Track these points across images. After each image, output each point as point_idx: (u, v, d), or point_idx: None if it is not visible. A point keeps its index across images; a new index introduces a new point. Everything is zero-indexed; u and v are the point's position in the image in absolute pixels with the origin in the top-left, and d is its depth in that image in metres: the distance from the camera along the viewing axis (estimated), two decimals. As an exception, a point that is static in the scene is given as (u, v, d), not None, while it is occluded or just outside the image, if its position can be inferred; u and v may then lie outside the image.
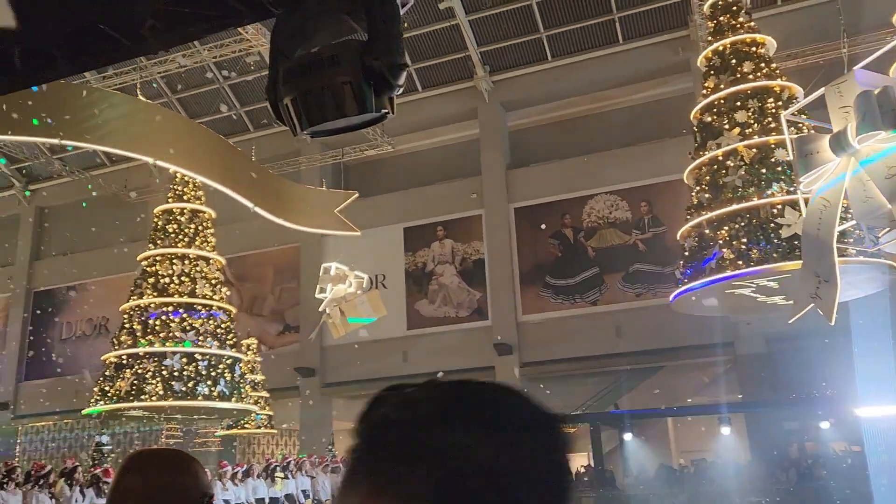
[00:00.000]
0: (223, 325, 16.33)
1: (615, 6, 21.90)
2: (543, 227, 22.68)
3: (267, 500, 14.63)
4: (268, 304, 25.66)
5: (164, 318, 15.64)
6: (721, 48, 14.21)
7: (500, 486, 0.71)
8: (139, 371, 15.16)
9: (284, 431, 23.53)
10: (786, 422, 19.09)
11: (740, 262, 12.50)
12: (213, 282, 16.60)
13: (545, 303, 22.30)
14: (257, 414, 19.60)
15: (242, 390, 16.46)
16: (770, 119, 13.21)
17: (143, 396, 14.96)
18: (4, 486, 10.58)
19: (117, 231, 26.16)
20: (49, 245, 29.46)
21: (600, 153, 22.33)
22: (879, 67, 8.70)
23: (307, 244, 23.63)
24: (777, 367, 18.84)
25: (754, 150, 13.12)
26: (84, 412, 16.42)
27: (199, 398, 15.19)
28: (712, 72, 14.27)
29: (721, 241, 12.87)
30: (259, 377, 20.55)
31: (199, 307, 15.98)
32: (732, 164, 13.20)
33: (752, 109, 13.40)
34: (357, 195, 15.73)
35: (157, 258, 16.35)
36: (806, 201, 9.69)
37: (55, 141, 12.97)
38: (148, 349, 15.35)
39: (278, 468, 15.17)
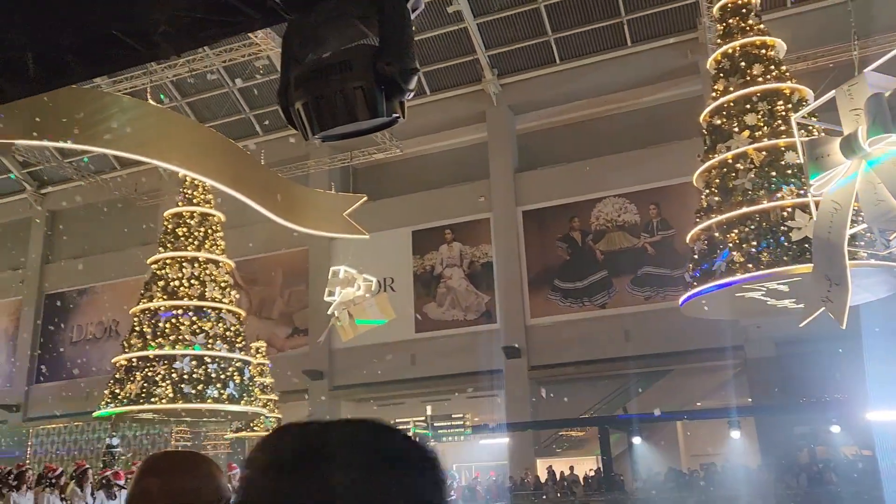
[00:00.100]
0: (232, 328, 16.38)
1: (623, 9, 21.88)
2: (552, 229, 22.69)
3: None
4: (276, 307, 25.73)
5: (173, 320, 15.71)
6: (730, 51, 14.15)
7: None
8: (149, 374, 15.23)
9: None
10: (796, 426, 18.98)
11: (750, 266, 12.43)
12: (223, 285, 16.66)
13: (553, 306, 22.27)
14: (266, 417, 19.63)
15: (252, 393, 16.50)
16: (780, 122, 13.14)
17: (153, 399, 15.02)
18: (16, 487, 10.64)
19: (127, 234, 26.32)
20: (60, 248, 29.65)
21: (608, 156, 22.30)
22: (890, 70, 8.64)
23: (316, 247, 23.70)
24: (787, 370, 18.75)
25: (764, 152, 13.05)
26: (95, 415, 16.50)
27: (209, 401, 15.24)
28: (721, 74, 14.21)
29: (731, 244, 12.82)
30: (268, 380, 20.59)
31: (209, 310, 16.03)
32: (742, 167, 13.13)
33: (761, 112, 13.33)
34: (365, 198, 15.75)
35: (167, 261, 16.42)
36: (817, 204, 9.64)
37: (66, 145, 13.06)
38: (158, 352, 15.41)
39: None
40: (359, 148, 24.50)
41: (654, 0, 21.64)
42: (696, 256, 13.75)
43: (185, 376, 15.19)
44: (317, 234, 16.04)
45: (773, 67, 13.80)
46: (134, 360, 15.68)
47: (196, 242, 16.56)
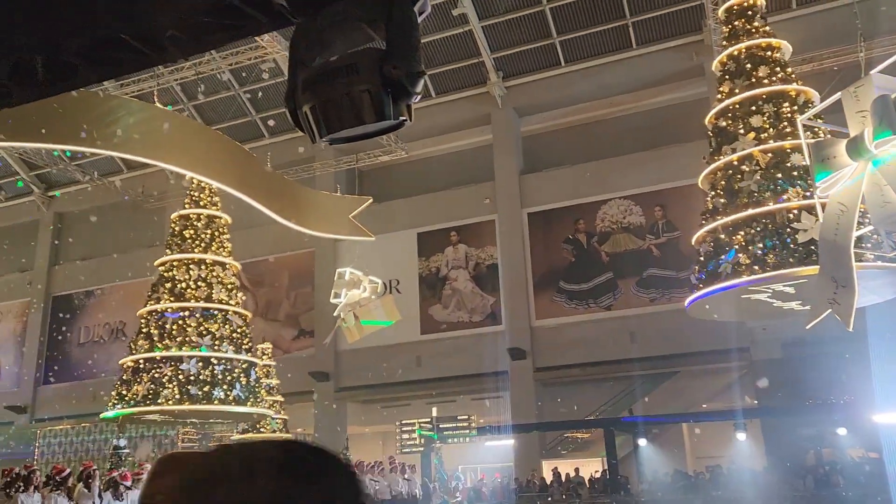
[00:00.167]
0: (239, 330, 16.43)
1: (629, 11, 21.88)
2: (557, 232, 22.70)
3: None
4: (283, 308, 25.80)
5: (180, 322, 15.77)
6: (736, 53, 14.14)
7: None
8: (156, 375, 15.29)
9: (299, 436, 23.60)
10: (802, 428, 18.91)
11: (756, 268, 12.42)
12: (229, 287, 16.72)
13: (559, 308, 22.27)
14: (272, 418, 19.68)
15: (258, 394, 16.55)
16: (786, 124, 13.13)
17: (159, 400, 15.08)
18: (24, 488, 10.70)
19: (134, 237, 26.44)
20: (67, 251, 29.79)
21: (613, 158, 22.31)
22: (896, 71, 8.63)
23: (322, 249, 23.77)
24: (793, 372, 18.69)
25: (770, 154, 13.05)
26: (102, 416, 16.57)
27: (215, 402, 15.29)
28: (727, 76, 14.21)
29: (737, 246, 12.81)
30: (274, 381, 20.65)
31: (216, 312, 16.09)
32: (748, 169, 13.12)
33: (767, 114, 13.32)
34: (371, 200, 15.79)
35: (174, 263, 16.48)
36: (823, 206, 9.63)
37: (74, 147, 13.14)
38: (165, 354, 15.47)
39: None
40: (364, 150, 24.54)
41: (659, 2, 21.64)
42: (701, 258, 13.74)
43: (192, 378, 15.25)
44: (323, 236, 16.10)
45: (778, 69, 13.78)
46: (141, 361, 15.75)
47: (203, 244, 16.62)
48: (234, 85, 24.87)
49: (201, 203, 17.19)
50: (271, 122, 25.32)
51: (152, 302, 16.42)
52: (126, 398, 15.54)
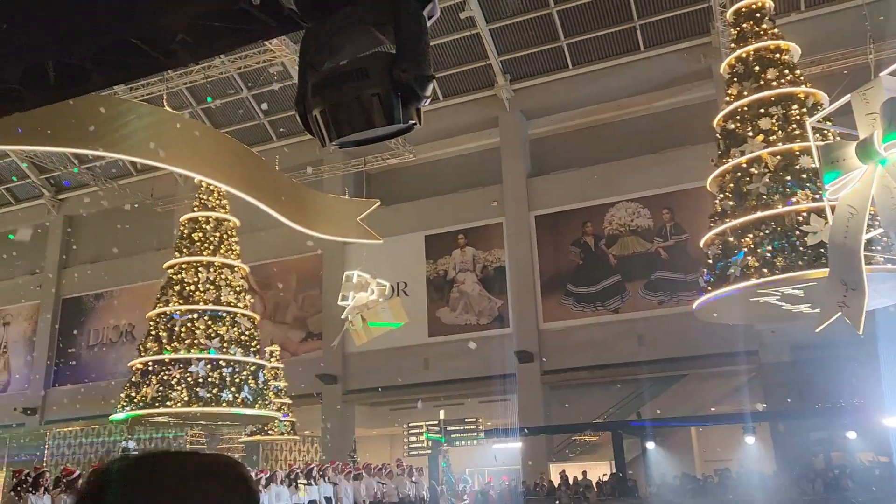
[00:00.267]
0: (247, 333, 16.49)
1: (636, 14, 21.86)
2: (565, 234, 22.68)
3: (290, 507, 14.70)
4: (290, 311, 25.86)
5: (189, 324, 15.83)
6: (744, 55, 14.12)
7: None
8: (165, 377, 15.36)
9: (307, 438, 23.66)
10: (812, 431, 18.82)
11: (765, 270, 12.37)
12: (238, 289, 16.79)
13: (566, 310, 22.23)
14: (280, 421, 19.73)
15: (266, 397, 16.59)
16: (794, 126, 13.09)
17: (168, 403, 15.14)
18: (33, 490, 10.75)
19: (143, 239, 26.57)
20: (77, 253, 29.95)
21: (621, 161, 22.28)
22: (906, 73, 8.59)
23: (329, 252, 23.82)
24: (802, 375, 18.61)
25: (778, 157, 13.01)
26: (111, 418, 16.65)
27: (224, 405, 15.34)
28: (735, 79, 14.18)
29: (745, 249, 12.76)
30: (282, 384, 20.69)
31: (224, 314, 16.15)
32: (756, 172, 13.08)
33: (776, 116, 13.29)
34: (379, 203, 15.80)
35: (183, 266, 16.57)
36: (832, 209, 9.59)
37: (84, 151, 13.22)
38: (173, 356, 15.54)
39: (301, 475, 15.25)
40: (372, 153, 24.60)
41: (667, 5, 21.60)
42: (710, 261, 13.70)
43: (200, 380, 15.30)
44: (330, 238, 16.12)
45: (787, 71, 13.75)
46: (150, 363, 15.83)
47: (211, 247, 16.70)
48: (243, 88, 24.98)
49: (210, 206, 17.28)
50: (282, 129, 25.40)
51: (161, 304, 16.50)
52: (135, 400, 15.61)
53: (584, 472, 19.85)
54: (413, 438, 20.61)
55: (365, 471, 17.39)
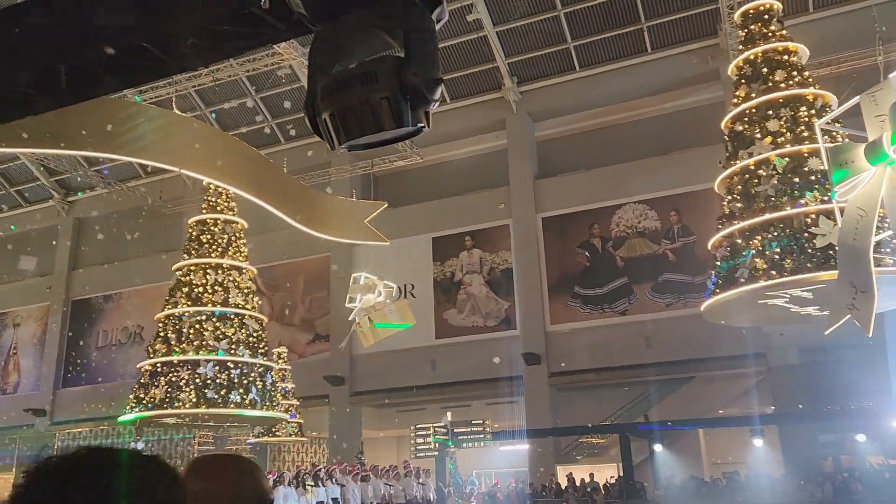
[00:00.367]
0: (255, 334, 16.55)
1: (643, 15, 21.83)
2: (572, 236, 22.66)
3: (297, 508, 14.72)
4: (298, 313, 25.92)
5: (197, 326, 15.90)
6: (752, 57, 14.08)
7: None
8: (173, 379, 15.43)
9: (314, 439, 23.70)
10: (820, 434, 18.73)
11: (773, 272, 12.33)
12: (246, 291, 16.85)
13: (574, 312, 22.21)
14: (287, 422, 19.77)
15: (274, 398, 16.64)
16: (803, 128, 13.05)
17: (176, 404, 15.21)
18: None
19: (152, 241, 26.70)
20: (86, 255, 30.12)
21: (628, 163, 22.25)
22: (915, 75, 8.56)
23: (337, 254, 23.87)
24: (811, 378, 18.51)
25: (787, 159, 12.97)
26: (119, 419, 16.73)
27: (231, 406, 15.40)
28: (743, 81, 14.14)
29: (754, 251, 12.73)
30: (290, 385, 20.75)
31: (232, 316, 16.22)
32: (765, 174, 13.05)
33: (784, 118, 13.24)
34: (386, 205, 15.87)
35: (192, 268, 16.65)
36: (841, 211, 9.56)
37: (94, 153, 13.30)
38: (182, 357, 15.61)
39: (308, 476, 15.28)
40: (380, 156, 24.65)
41: (674, 6, 21.57)
42: (718, 263, 13.67)
43: (209, 381, 15.36)
44: (338, 240, 16.18)
45: (795, 73, 13.70)
46: (158, 365, 15.90)
47: (220, 249, 16.78)
48: (251, 91, 25.08)
49: (218, 208, 17.35)
50: (292, 131, 25.47)
51: (170, 306, 16.58)
52: (143, 401, 15.69)
53: (592, 475, 19.82)
54: (420, 440, 20.59)
55: (372, 472, 17.42)
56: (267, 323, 17.86)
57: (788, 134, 13.12)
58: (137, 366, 17.03)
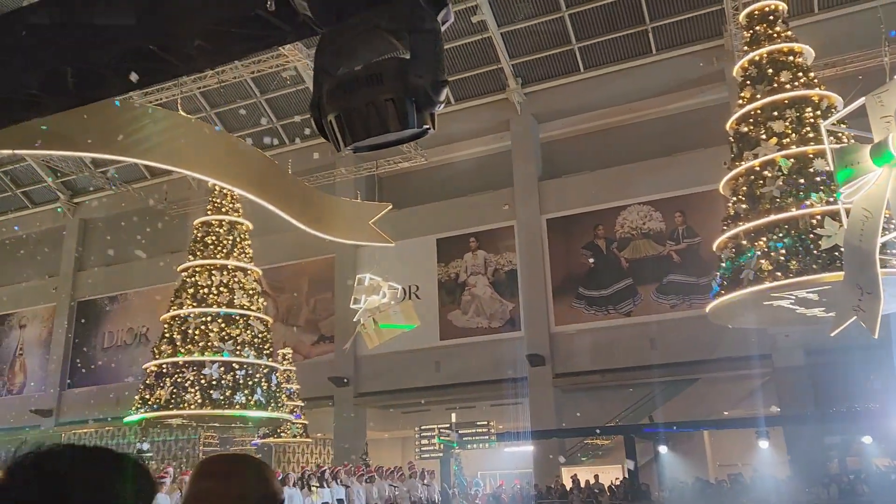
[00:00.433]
0: (260, 335, 16.58)
1: (648, 17, 21.82)
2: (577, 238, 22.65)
3: (302, 509, 14.73)
4: (303, 314, 25.96)
5: (203, 327, 15.94)
6: (757, 58, 14.06)
7: None
8: (179, 380, 15.46)
9: (319, 440, 23.73)
10: (826, 436, 18.67)
11: (779, 274, 12.31)
12: (251, 292, 16.89)
13: (578, 314, 22.19)
14: (292, 423, 19.80)
15: (279, 399, 16.67)
16: (808, 129, 13.03)
17: (182, 405, 15.24)
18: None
19: (157, 242, 26.77)
20: (92, 256, 30.23)
21: (633, 164, 22.23)
22: (921, 75, 8.54)
23: (342, 255, 23.90)
24: (817, 379, 18.47)
25: (792, 160, 12.95)
26: (125, 420, 16.77)
27: (237, 407, 15.43)
28: (748, 82, 14.13)
29: (759, 252, 12.71)
30: (294, 386, 20.77)
31: (237, 317, 16.26)
32: (770, 175, 13.03)
33: (789, 119, 13.23)
34: (391, 207, 15.88)
35: (197, 269, 16.69)
36: (847, 212, 9.54)
37: (99, 155, 13.36)
38: (187, 358, 15.64)
39: (313, 477, 15.30)
40: (384, 157, 24.69)
41: (679, 8, 21.55)
42: (723, 264, 13.65)
43: (214, 382, 15.40)
44: (343, 242, 16.19)
45: (800, 74, 13.69)
46: (164, 366, 15.94)
47: (225, 250, 16.81)
48: (256, 92, 25.15)
49: (223, 209, 17.39)
50: (294, 132, 25.52)
51: (175, 307, 16.62)
52: (149, 402, 15.72)
53: (596, 476, 19.79)
54: (425, 441, 20.62)
55: (377, 473, 17.43)
56: (272, 324, 17.89)
57: (794, 135, 13.10)
58: (143, 367, 17.08)
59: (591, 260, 22.39)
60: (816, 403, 18.59)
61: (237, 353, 15.82)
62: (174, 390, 15.36)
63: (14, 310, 31.29)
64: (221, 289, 16.34)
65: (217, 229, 17.06)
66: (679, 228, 21.63)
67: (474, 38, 22.58)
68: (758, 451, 17.65)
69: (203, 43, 3.24)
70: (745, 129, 13.77)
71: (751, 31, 14.49)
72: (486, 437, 20.12)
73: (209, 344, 15.67)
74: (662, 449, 18.72)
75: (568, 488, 19.33)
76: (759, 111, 13.61)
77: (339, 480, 15.79)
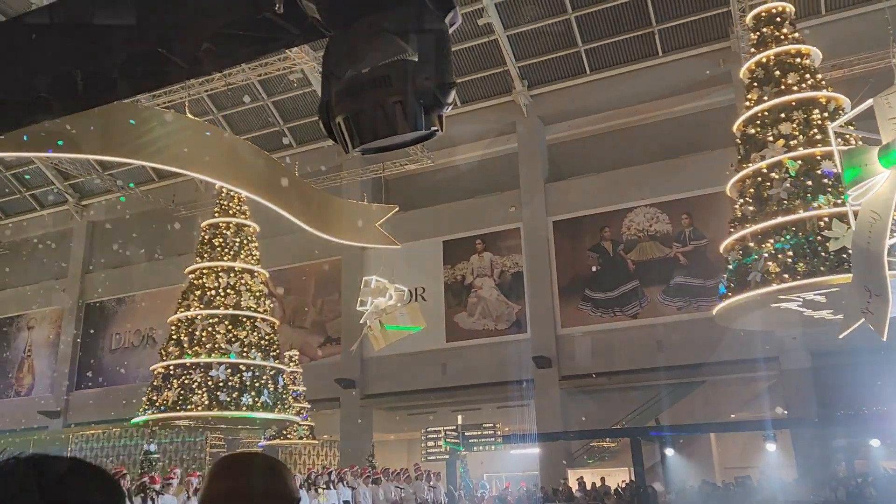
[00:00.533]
0: (267, 337, 16.61)
1: (654, 19, 21.80)
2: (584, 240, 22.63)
3: (308, 511, 14.74)
4: (309, 316, 26.01)
5: (209, 329, 15.98)
6: (765, 60, 14.03)
7: None
8: (186, 381, 15.51)
9: (325, 442, 23.75)
10: (834, 439, 18.59)
11: (786, 276, 12.27)
12: (258, 294, 16.93)
13: (585, 316, 22.17)
14: (299, 425, 19.82)
15: (285, 401, 16.69)
16: (816, 131, 12.99)
17: (189, 406, 15.28)
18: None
19: (165, 245, 26.87)
20: (100, 258, 30.37)
21: (640, 166, 22.21)
22: (929, 77, 8.51)
23: (348, 257, 23.94)
24: (824, 382, 18.39)
25: (800, 162, 12.91)
26: (132, 422, 16.83)
27: (244, 408, 15.46)
28: (755, 83, 14.09)
29: (766, 254, 12.67)
30: (301, 388, 20.80)
31: (244, 319, 16.30)
32: (777, 177, 13.00)
33: (797, 121, 13.19)
34: (397, 209, 15.91)
35: (204, 271, 16.73)
36: (855, 214, 9.51)
37: (106, 158, 13.43)
38: (194, 360, 15.69)
39: (320, 479, 15.32)
40: (391, 159, 24.72)
41: (685, 10, 21.53)
42: (730, 266, 13.61)
43: (221, 384, 15.43)
44: (349, 244, 16.22)
45: (808, 76, 13.65)
46: (171, 367, 15.99)
47: (232, 252, 16.86)
48: (263, 95, 25.23)
49: (230, 212, 17.44)
50: (301, 134, 25.59)
51: (182, 309, 16.67)
52: (156, 404, 15.77)
53: (603, 479, 19.75)
54: (431, 443, 20.62)
55: (383, 475, 17.44)
56: (279, 326, 17.92)
57: (801, 137, 13.07)
58: (150, 368, 17.13)
59: (598, 262, 22.35)
60: (824, 406, 18.50)
61: (244, 354, 15.85)
62: (181, 392, 15.41)
63: (22, 311, 31.44)
64: (228, 291, 16.39)
65: (224, 231, 17.11)
66: (686, 230, 21.59)
67: (480, 40, 22.61)
68: (765, 454, 17.59)
69: (211, 46, 3.26)
70: (752, 130, 13.74)
71: (758, 33, 14.45)
72: (492, 439, 20.10)
73: (216, 346, 15.71)
74: (669, 451, 18.67)
75: (574, 491, 19.29)
76: (766, 113, 13.58)
77: (345, 482, 15.82)
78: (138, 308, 28.78)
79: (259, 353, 16.08)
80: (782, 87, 13.61)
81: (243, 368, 15.74)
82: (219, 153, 12.72)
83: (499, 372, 21.67)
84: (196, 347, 15.77)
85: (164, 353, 16.51)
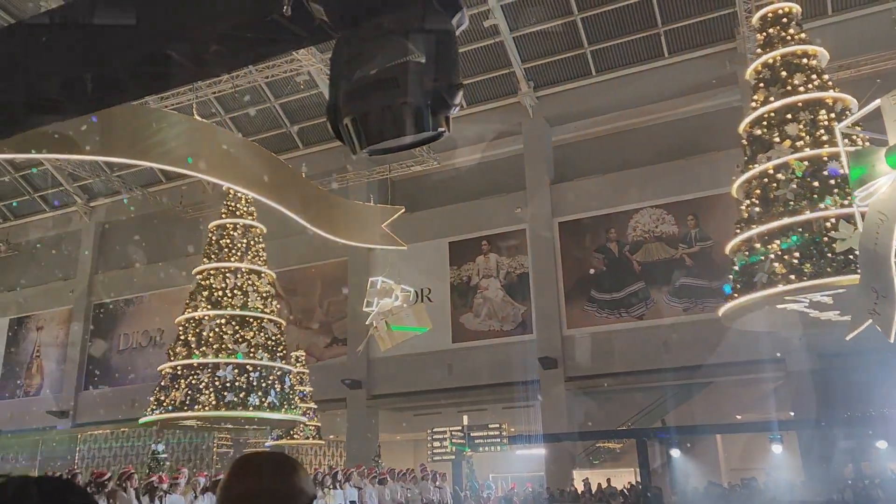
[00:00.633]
0: (274, 338, 16.67)
1: (660, 20, 21.79)
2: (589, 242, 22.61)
3: (315, 511, 14.74)
4: (316, 316, 26.08)
5: (217, 329, 16.05)
6: (771, 60, 14.01)
7: None
8: (193, 382, 15.57)
9: (332, 442, 23.81)
10: (840, 441, 18.52)
11: (793, 277, 12.25)
12: (265, 295, 16.99)
13: (590, 317, 22.16)
14: (306, 425, 19.87)
15: (292, 401, 16.75)
16: (822, 131, 12.97)
17: (196, 406, 15.35)
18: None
19: (173, 246, 26.99)
20: (108, 259, 30.52)
21: (645, 167, 22.19)
22: (936, 77, 8.50)
23: (355, 258, 24.01)
24: (831, 383, 18.33)
25: (806, 163, 12.88)
26: (140, 422, 16.91)
27: (250, 409, 15.52)
28: (762, 84, 14.07)
29: (773, 255, 12.65)
30: (307, 389, 20.86)
31: (251, 320, 16.36)
32: (783, 178, 12.97)
33: (803, 122, 13.16)
34: (403, 210, 15.91)
35: (212, 272, 16.81)
36: (862, 215, 9.49)
37: (114, 159, 13.49)
38: (202, 360, 15.75)
39: (327, 478, 15.35)
40: (397, 161, 24.78)
41: (691, 11, 21.52)
42: (736, 267, 13.59)
43: (228, 384, 15.50)
44: (355, 245, 16.25)
45: (814, 77, 13.62)
46: (179, 368, 16.06)
47: (239, 253, 16.93)
48: (270, 97, 25.31)
49: (237, 213, 17.52)
50: (308, 136, 25.65)
51: (190, 310, 16.74)
52: (164, 404, 15.85)
53: (609, 480, 19.74)
54: (437, 444, 20.64)
55: (389, 475, 17.47)
56: (285, 326, 17.98)
57: (808, 138, 13.04)
58: (158, 369, 17.21)
59: (604, 263, 22.34)
60: (830, 407, 18.44)
61: (251, 355, 15.91)
62: (189, 392, 15.48)
63: (31, 312, 31.62)
64: (235, 291, 16.46)
65: (231, 232, 17.19)
66: (692, 232, 21.57)
67: (486, 42, 22.65)
68: (771, 456, 17.55)
69: (220, 47, 3.29)
70: (759, 131, 13.72)
71: (764, 34, 14.43)
72: (498, 440, 20.11)
73: (223, 346, 15.78)
74: (675, 453, 18.65)
75: (580, 492, 19.29)
76: (772, 114, 13.55)
77: (351, 482, 15.85)
78: (146, 309, 28.91)
79: (266, 354, 16.14)
80: (789, 87, 13.58)
81: (250, 369, 15.80)
82: (225, 155, 12.77)
83: (504, 373, 21.68)
84: (203, 348, 15.84)
85: (171, 353, 16.59)
